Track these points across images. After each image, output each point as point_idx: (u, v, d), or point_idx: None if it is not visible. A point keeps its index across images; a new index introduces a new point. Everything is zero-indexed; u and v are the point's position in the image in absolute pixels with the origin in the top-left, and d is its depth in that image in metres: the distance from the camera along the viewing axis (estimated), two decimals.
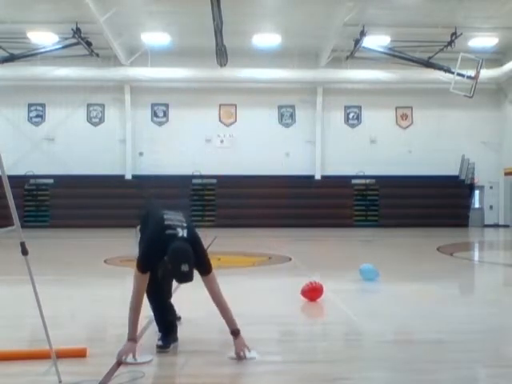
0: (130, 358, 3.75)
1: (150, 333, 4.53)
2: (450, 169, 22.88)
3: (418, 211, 21.67)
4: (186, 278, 3.74)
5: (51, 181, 22.19)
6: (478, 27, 19.08)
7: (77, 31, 18.31)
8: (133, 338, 3.88)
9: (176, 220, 3.96)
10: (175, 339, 4.24)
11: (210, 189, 22.74)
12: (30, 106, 22.89)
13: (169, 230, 3.85)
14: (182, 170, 22.00)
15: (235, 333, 3.96)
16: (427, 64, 20.40)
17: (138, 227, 4.38)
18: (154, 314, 4.28)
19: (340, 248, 14.35)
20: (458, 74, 19.61)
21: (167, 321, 4.28)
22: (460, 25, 18.58)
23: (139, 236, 4.30)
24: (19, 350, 3.97)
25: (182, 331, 3.80)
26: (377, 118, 23.27)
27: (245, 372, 3.68)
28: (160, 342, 4.09)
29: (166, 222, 3.91)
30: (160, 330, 4.25)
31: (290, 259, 10.51)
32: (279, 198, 21.81)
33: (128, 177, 22.68)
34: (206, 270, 3.95)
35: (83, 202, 21.24)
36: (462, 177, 23.05)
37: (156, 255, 3.86)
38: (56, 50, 19.62)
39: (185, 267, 3.67)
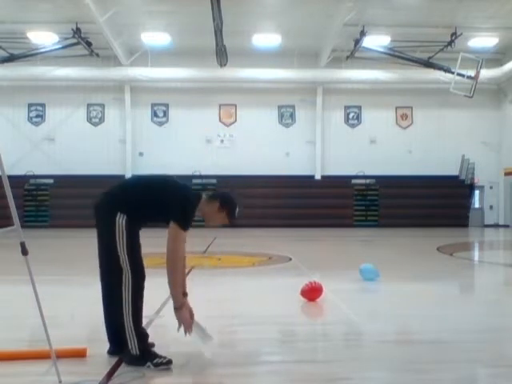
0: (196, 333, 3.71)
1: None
2: (450, 169, 22.89)
3: (418, 211, 21.67)
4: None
5: (51, 181, 22.19)
6: (478, 27, 19.10)
7: (77, 31, 18.34)
8: (183, 303, 3.70)
9: None
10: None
11: (210, 189, 22.71)
12: (29, 106, 22.91)
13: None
14: (182, 170, 21.91)
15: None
16: (427, 64, 20.42)
17: None
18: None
19: (340, 248, 14.34)
20: (458, 74, 19.62)
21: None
22: (460, 25, 18.61)
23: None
24: (19, 350, 3.96)
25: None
26: (377, 118, 23.28)
27: (245, 372, 3.67)
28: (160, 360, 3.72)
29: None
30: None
31: (290, 259, 10.50)
32: (279, 198, 21.81)
33: (128, 177, 22.66)
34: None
35: (83, 202, 21.03)
36: (462, 177, 23.06)
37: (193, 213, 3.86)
38: (56, 49, 19.66)
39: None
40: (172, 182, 3.97)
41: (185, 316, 3.71)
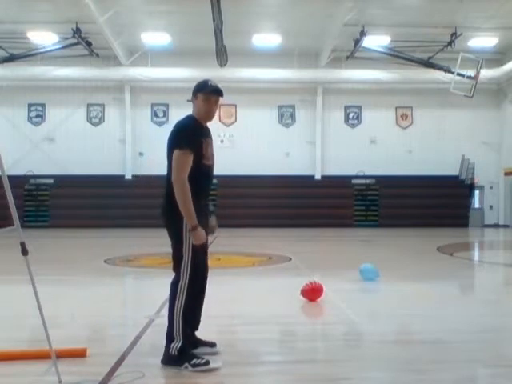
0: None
1: (150, 333, 4.52)
2: (450, 169, 22.88)
3: (418, 211, 21.66)
4: (218, 88, 3.96)
5: (51, 181, 22.18)
6: (477, 27, 19.08)
7: (77, 31, 18.31)
8: (197, 225, 3.64)
9: None
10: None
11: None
12: (29, 105, 22.89)
13: None
14: None
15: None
16: (427, 64, 20.40)
17: None
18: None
19: (340, 248, 14.34)
20: (458, 74, 19.60)
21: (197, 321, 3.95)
22: (460, 25, 18.58)
23: None
24: (19, 350, 3.96)
25: None
26: (377, 118, 23.27)
27: (245, 372, 3.68)
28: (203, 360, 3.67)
29: None
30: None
31: (290, 259, 10.51)
32: (279, 198, 21.80)
33: (128, 177, 22.67)
34: None
35: (83, 202, 21.23)
36: (462, 177, 23.04)
37: (197, 137, 3.88)
38: (56, 49, 19.62)
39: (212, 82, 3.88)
40: None
41: (201, 235, 3.65)
